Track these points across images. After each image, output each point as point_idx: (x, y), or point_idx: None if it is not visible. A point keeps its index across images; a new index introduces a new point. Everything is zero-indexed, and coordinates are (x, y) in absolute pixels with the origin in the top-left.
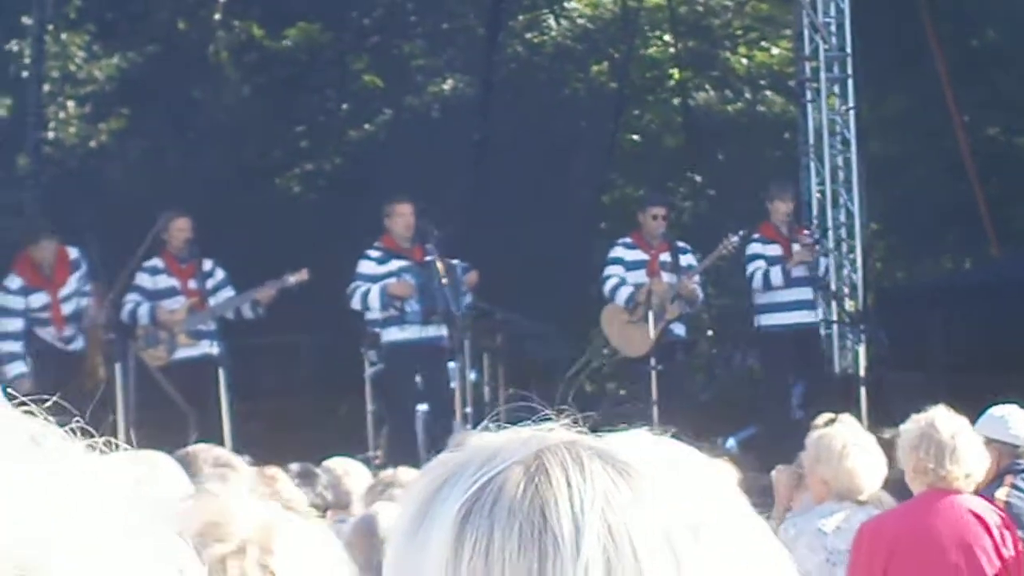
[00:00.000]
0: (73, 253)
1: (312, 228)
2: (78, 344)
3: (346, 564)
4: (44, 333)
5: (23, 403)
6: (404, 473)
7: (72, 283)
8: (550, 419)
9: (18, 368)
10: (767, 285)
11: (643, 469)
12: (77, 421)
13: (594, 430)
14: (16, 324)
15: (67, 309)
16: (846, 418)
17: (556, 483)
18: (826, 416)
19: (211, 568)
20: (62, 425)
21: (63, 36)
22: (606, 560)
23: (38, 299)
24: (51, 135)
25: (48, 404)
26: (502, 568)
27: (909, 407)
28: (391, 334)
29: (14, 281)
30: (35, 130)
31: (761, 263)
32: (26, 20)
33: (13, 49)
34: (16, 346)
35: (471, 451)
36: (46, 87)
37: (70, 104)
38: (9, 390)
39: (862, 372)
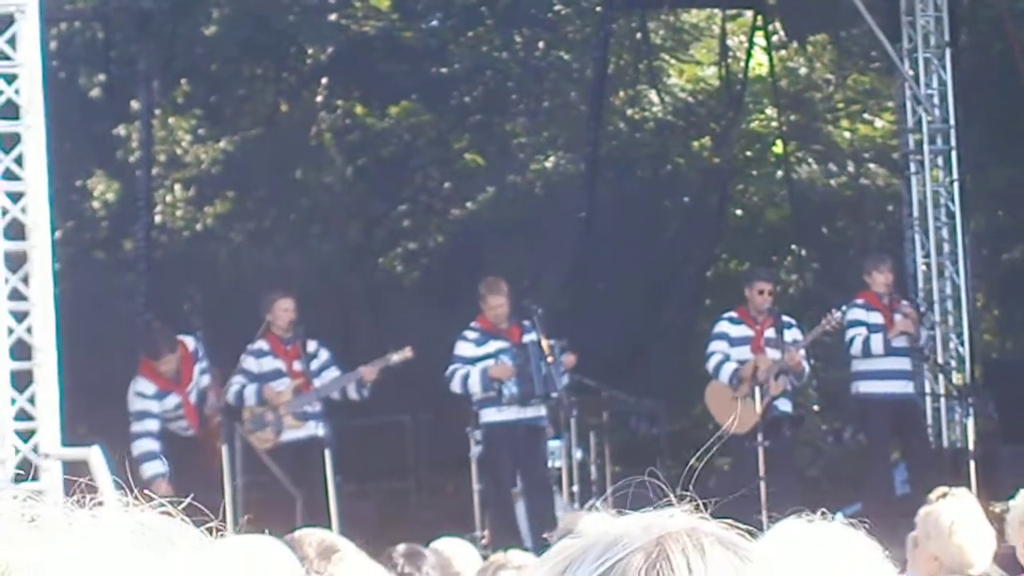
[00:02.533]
0: (191, 344)
1: (415, 307)
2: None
3: None
4: (175, 427)
5: (160, 504)
6: (515, 555)
7: (195, 375)
8: (670, 503)
9: (156, 468)
10: (867, 351)
11: (763, 556)
12: (190, 505)
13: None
14: (153, 425)
15: (195, 400)
16: (960, 492)
17: (678, 569)
18: (940, 490)
19: None
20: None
21: (171, 120)
22: None
23: (171, 401)
24: (158, 219)
25: (182, 505)
26: None
27: (1019, 480)
28: (489, 415)
29: (148, 387)
30: (144, 214)
31: (862, 329)
32: (134, 104)
33: (121, 133)
34: (154, 445)
35: (593, 536)
36: (154, 171)
37: (177, 188)
38: (148, 491)
39: (971, 446)
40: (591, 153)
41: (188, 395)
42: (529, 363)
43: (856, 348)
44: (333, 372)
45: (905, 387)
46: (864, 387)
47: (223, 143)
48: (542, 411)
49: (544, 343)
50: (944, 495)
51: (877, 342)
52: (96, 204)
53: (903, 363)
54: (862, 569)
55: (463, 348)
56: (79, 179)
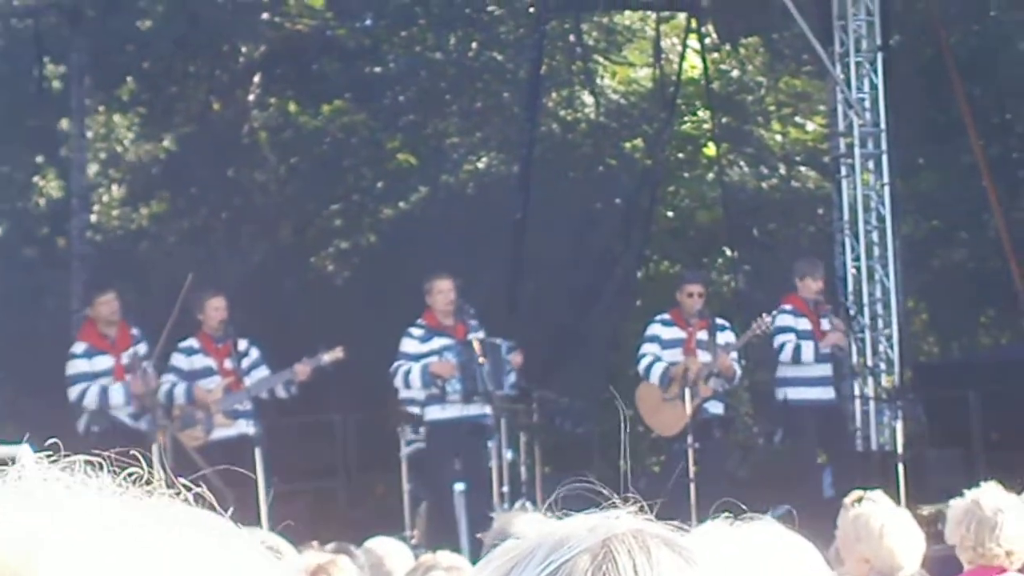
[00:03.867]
0: (133, 329)
1: (347, 306)
2: (143, 424)
3: None
4: (116, 410)
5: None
6: (444, 557)
7: (131, 346)
8: (604, 505)
9: (92, 396)
10: (797, 359)
11: (708, 557)
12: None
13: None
14: (86, 384)
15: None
16: (877, 495)
17: (624, 571)
18: (856, 494)
19: None
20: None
21: (115, 118)
22: None
23: (102, 362)
24: (94, 217)
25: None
26: None
27: (947, 483)
28: (433, 412)
29: (79, 347)
30: (79, 212)
31: (791, 336)
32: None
33: (64, 128)
34: (87, 385)
35: (538, 538)
36: (94, 168)
37: (113, 187)
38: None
39: (899, 449)
40: (526, 154)
41: (120, 358)
42: (473, 360)
43: (786, 355)
44: (263, 371)
45: (827, 392)
46: (789, 393)
47: (166, 142)
48: (486, 409)
49: (476, 343)
50: (860, 499)
51: (808, 350)
52: (42, 200)
53: (826, 369)
54: (797, 568)
55: (408, 345)
56: (28, 173)
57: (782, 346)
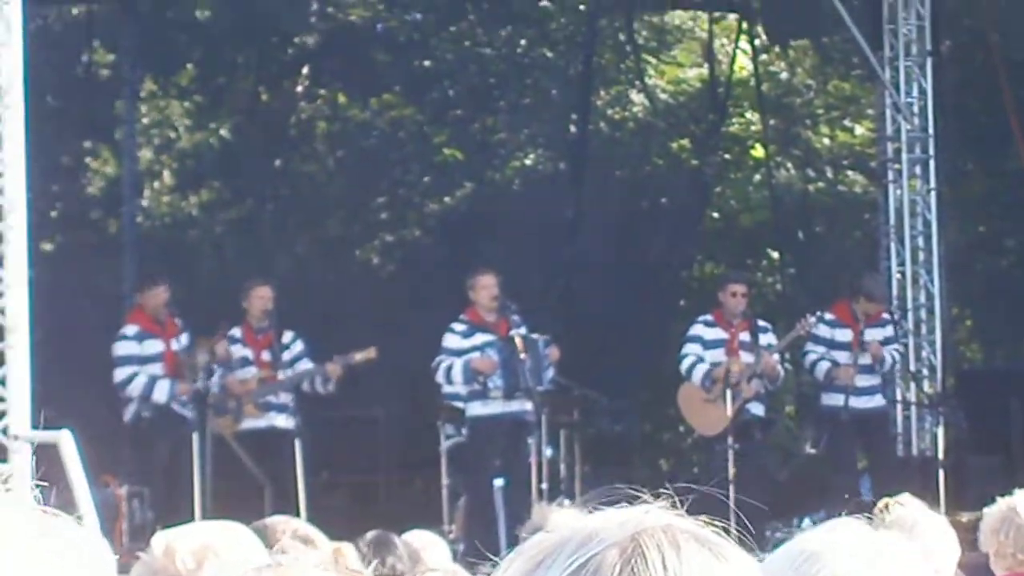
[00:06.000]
0: (178, 320)
1: (391, 300)
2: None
3: None
4: (153, 371)
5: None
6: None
7: (178, 331)
8: (642, 503)
9: (139, 384)
10: (828, 380)
11: (738, 554)
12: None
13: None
14: (132, 368)
15: (175, 348)
16: (907, 499)
17: (652, 565)
18: (885, 500)
19: None
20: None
21: (170, 104)
22: None
23: (152, 346)
24: (145, 203)
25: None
26: None
27: (988, 490)
28: (474, 408)
29: (130, 329)
30: (130, 198)
31: (822, 350)
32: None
33: (118, 113)
34: (132, 370)
35: (567, 532)
36: (147, 154)
37: (165, 174)
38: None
39: (940, 455)
40: (577, 152)
41: (170, 344)
42: (514, 356)
43: (819, 373)
44: (305, 364)
45: (871, 401)
46: (830, 399)
47: (222, 130)
48: (527, 405)
49: (517, 339)
50: (887, 506)
51: (843, 374)
52: (94, 185)
53: (870, 379)
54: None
55: (450, 340)
56: (79, 158)
57: (814, 364)
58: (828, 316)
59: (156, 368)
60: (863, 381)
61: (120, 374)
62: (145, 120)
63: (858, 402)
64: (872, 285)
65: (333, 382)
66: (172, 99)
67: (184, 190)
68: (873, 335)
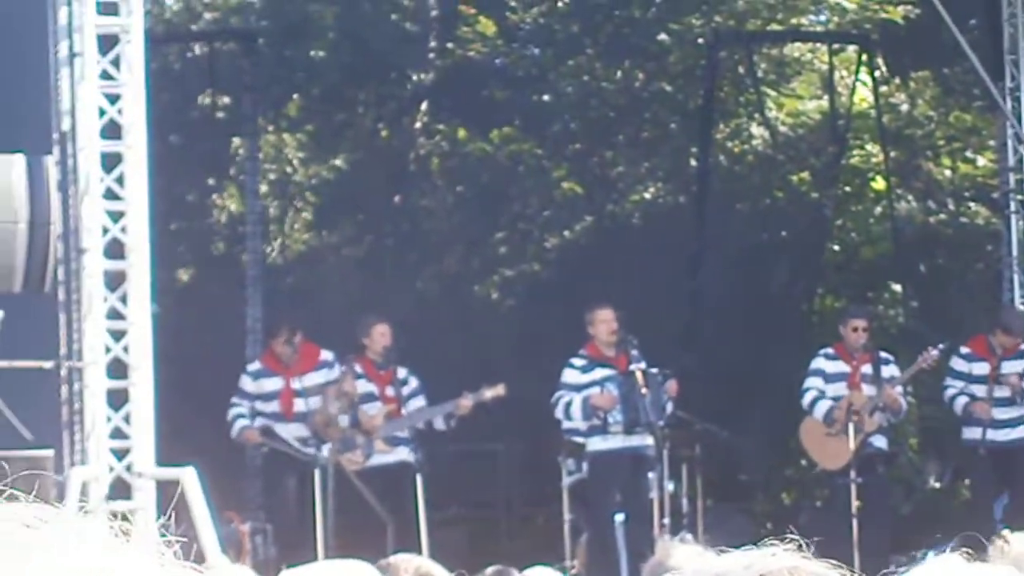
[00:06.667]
0: (326, 355)
1: (510, 335)
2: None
3: None
4: (265, 409)
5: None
6: None
7: (311, 372)
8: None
9: (241, 424)
10: (966, 415)
11: None
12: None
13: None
14: (242, 403)
15: (298, 388)
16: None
17: None
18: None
19: None
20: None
21: (283, 137)
22: None
23: (270, 384)
24: (267, 240)
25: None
26: None
27: None
28: (595, 443)
29: (254, 366)
30: (253, 234)
31: (960, 384)
32: (263, 122)
33: (236, 150)
34: (241, 409)
35: (694, 574)
36: (264, 188)
37: (289, 211)
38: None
39: None
40: (700, 186)
41: (291, 382)
42: (635, 391)
43: (958, 408)
44: (420, 400)
45: (1011, 434)
46: (969, 433)
47: (338, 161)
48: (647, 440)
49: (638, 374)
50: (1006, 539)
51: (980, 409)
52: (219, 220)
53: (1010, 412)
54: None
55: (569, 375)
56: (202, 194)
57: (953, 399)
58: (964, 350)
59: (272, 406)
60: (1002, 414)
61: (231, 412)
62: (260, 156)
63: (997, 435)
64: (1010, 318)
65: (455, 419)
66: (284, 132)
67: (307, 227)
68: (1011, 367)
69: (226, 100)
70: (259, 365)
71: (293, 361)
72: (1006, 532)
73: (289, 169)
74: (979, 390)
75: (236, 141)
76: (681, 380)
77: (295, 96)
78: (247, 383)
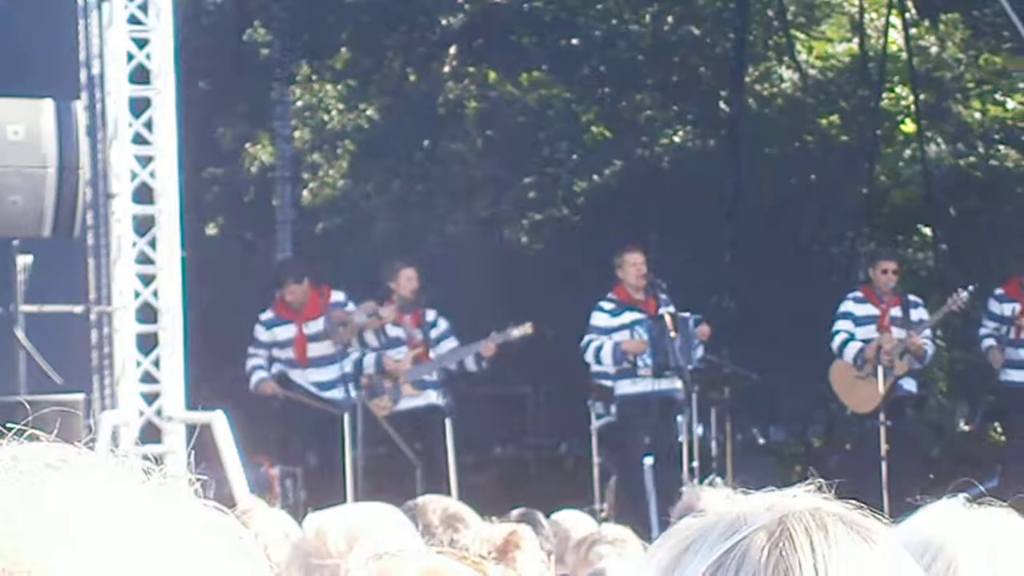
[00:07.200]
0: (337, 295)
1: (539, 279)
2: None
3: None
4: (281, 356)
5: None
6: (609, 530)
7: (323, 311)
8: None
9: (259, 375)
10: (987, 356)
11: (888, 536)
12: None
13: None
14: (259, 353)
15: (315, 349)
16: None
17: (800, 549)
18: None
19: None
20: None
21: (325, 87)
22: None
23: (283, 332)
24: (298, 186)
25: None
26: None
27: None
28: (624, 387)
29: (267, 315)
30: (283, 181)
31: (993, 326)
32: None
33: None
34: (259, 360)
35: (716, 515)
36: (301, 136)
37: (316, 156)
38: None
39: None
40: (731, 130)
41: (303, 327)
42: (664, 334)
43: (983, 349)
44: (451, 342)
45: None
46: (1008, 375)
47: (369, 111)
48: (676, 383)
49: (668, 318)
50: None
51: (994, 356)
52: (252, 167)
53: None
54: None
55: (599, 319)
56: (240, 140)
57: (982, 339)
58: (999, 291)
59: (288, 352)
60: None
61: (248, 362)
62: (299, 103)
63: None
64: None
65: (486, 360)
66: (326, 82)
67: (337, 172)
68: None
69: (259, 43)
70: (271, 314)
71: (303, 307)
72: None
73: (321, 115)
74: (1004, 332)
75: (267, 86)
76: (711, 323)
77: (325, 41)
78: (261, 332)
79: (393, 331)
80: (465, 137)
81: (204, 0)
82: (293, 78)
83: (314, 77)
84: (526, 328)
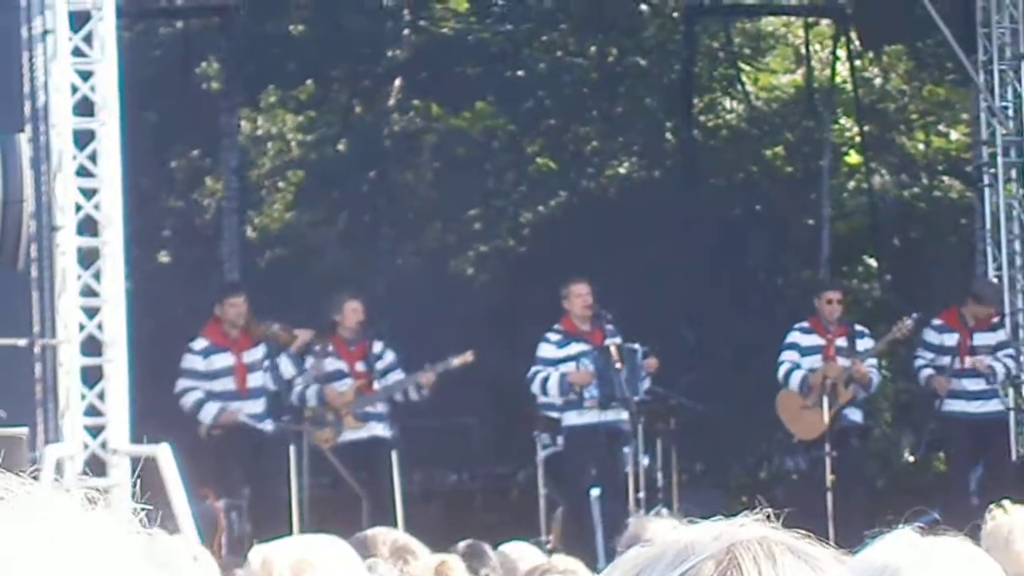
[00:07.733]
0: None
1: (485, 310)
2: (268, 424)
3: None
4: (219, 387)
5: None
6: (560, 560)
7: (260, 352)
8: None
9: (211, 410)
10: (927, 387)
11: (834, 565)
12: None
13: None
14: (192, 382)
15: (253, 380)
16: (1010, 506)
17: None
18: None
19: None
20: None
21: (275, 118)
22: None
23: (220, 360)
24: (244, 218)
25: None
26: None
27: None
28: (570, 418)
29: (200, 343)
30: (230, 212)
31: (929, 356)
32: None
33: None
34: (199, 394)
35: (663, 544)
36: (245, 166)
37: (263, 191)
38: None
39: None
40: (682, 160)
41: (241, 356)
42: (610, 366)
43: (922, 379)
44: (397, 374)
45: (987, 406)
46: (949, 405)
47: (316, 142)
48: (623, 415)
49: (613, 349)
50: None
51: (937, 384)
52: (205, 199)
53: (979, 383)
54: None
55: (545, 350)
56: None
57: (919, 370)
58: (936, 321)
59: (226, 383)
60: (975, 386)
61: (178, 386)
62: (245, 135)
63: (971, 407)
64: (981, 288)
65: (426, 389)
66: (274, 113)
67: (283, 204)
68: (983, 339)
69: (209, 76)
70: (205, 342)
71: (239, 334)
72: (1006, 503)
73: (268, 146)
74: (948, 361)
75: (213, 118)
76: (664, 354)
77: (272, 73)
78: (197, 362)
79: (336, 364)
80: (410, 169)
81: (147, 33)
82: (240, 110)
83: (261, 107)
84: (466, 356)
